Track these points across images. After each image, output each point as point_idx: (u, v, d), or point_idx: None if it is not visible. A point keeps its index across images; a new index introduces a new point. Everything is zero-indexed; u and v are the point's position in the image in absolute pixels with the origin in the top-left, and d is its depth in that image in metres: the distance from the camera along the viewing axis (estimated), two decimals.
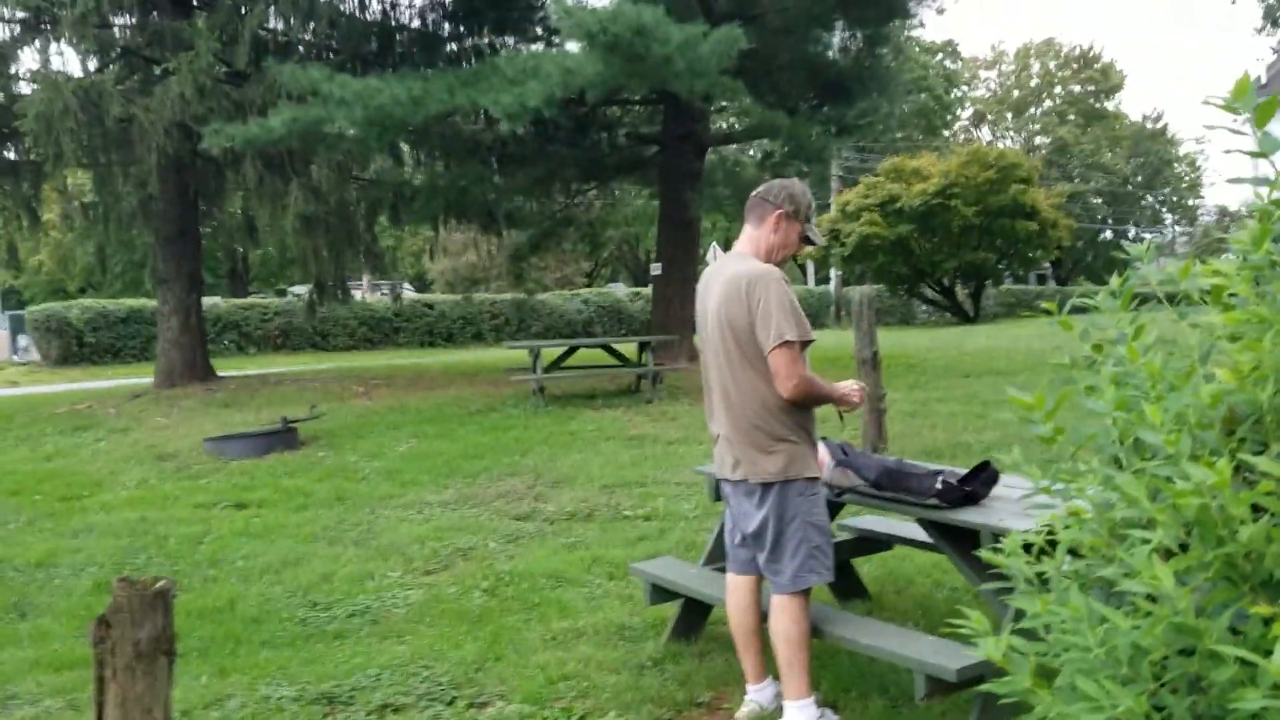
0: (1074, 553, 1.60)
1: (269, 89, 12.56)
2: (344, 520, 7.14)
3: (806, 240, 3.65)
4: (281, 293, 34.08)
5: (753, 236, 3.60)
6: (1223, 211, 25.40)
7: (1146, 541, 1.24)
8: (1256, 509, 1.13)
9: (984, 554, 1.63)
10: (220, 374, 16.12)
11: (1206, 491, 1.09)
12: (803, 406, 3.45)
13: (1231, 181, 1.39)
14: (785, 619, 3.46)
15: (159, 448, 10.37)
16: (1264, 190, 1.41)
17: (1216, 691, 1.03)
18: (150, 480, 8.89)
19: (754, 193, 3.65)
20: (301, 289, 25.52)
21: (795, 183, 3.64)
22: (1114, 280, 1.68)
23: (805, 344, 3.39)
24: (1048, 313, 1.72)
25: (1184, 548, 1.19)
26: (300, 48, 14.89)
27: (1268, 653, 0.99)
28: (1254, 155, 1.33)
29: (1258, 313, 1.26)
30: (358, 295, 26.84)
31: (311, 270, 15.77)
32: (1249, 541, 1.05)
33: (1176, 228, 54.54)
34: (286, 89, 12.04)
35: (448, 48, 15.98)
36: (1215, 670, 1.03)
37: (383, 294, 33.36)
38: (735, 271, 3.48)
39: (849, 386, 3.65)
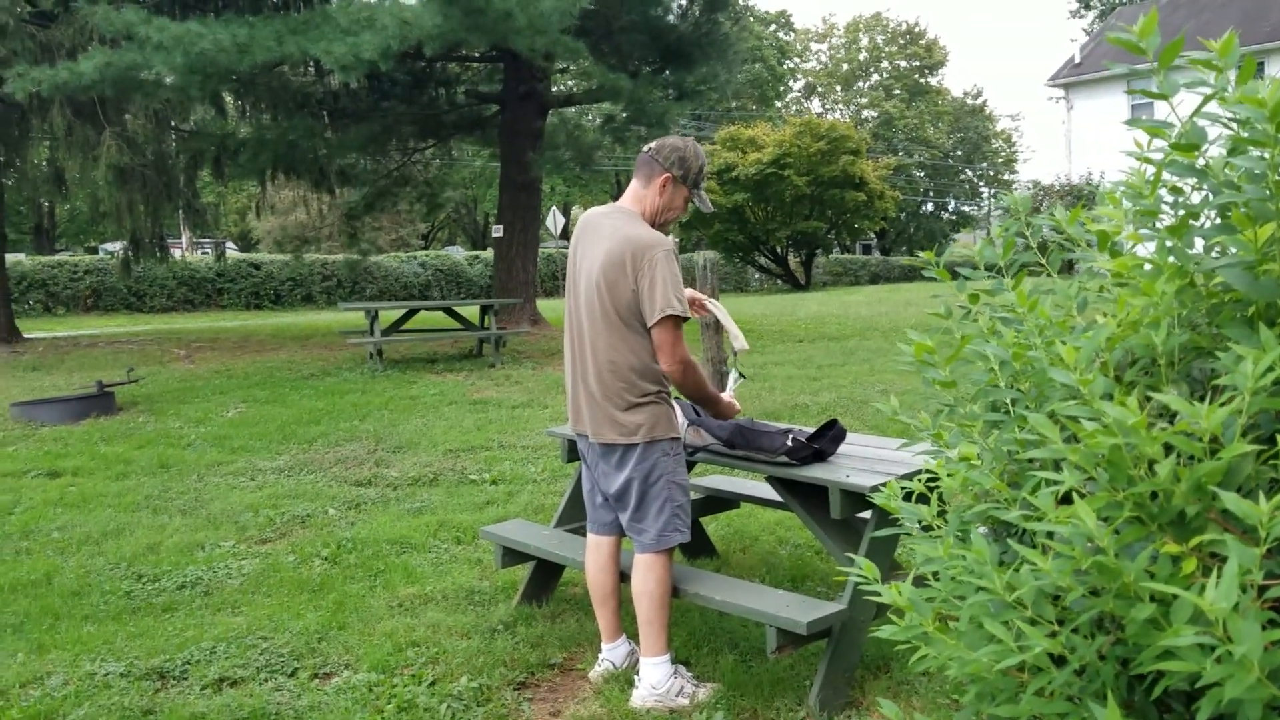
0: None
1: (79, 31, 11.76)
2: (169, 488, 6.76)
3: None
4: (93, 250, 32.16)
5: (639, 194, 3.50)
6: (1037, 185, 26.83)
7: (1050, 483, 1.25)
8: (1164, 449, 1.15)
9: (879, 500, 1.63)
10: (27, 335, 15.14)
11: (1120, 431, 1.10)
12: (679, 385, 3.45)
13: (1128, 124, 1.41)
14: (650, 578, 3.44)
15: None
16: (1143, 137, 1.44)
17: (1133, 630, 1.04)
18: None
19: (646, 148, 3.54)
20: (115, 246, 24.12)
21: (689, 145, 3.52)
22: (973, 241, 1.70)
23: (682, 320, 3.36)
24: (927, 263, 1.73)
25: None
26: None
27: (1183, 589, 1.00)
28: (1154, 96, 1.35)
29: (1150, 259, 1.29)
30: (177, 254, 25.52)
31: (126, 226, 14.88)
32: (1161, 480, 1.07)
33: (993, 200, 57.37)
34: (99, 31, 11.27)
35: None
36: (1133, 610, 1.04)
37: (204, 253, 31.87)
38: (624, 234, 3.35)
39: (730, 397, 3.75)
